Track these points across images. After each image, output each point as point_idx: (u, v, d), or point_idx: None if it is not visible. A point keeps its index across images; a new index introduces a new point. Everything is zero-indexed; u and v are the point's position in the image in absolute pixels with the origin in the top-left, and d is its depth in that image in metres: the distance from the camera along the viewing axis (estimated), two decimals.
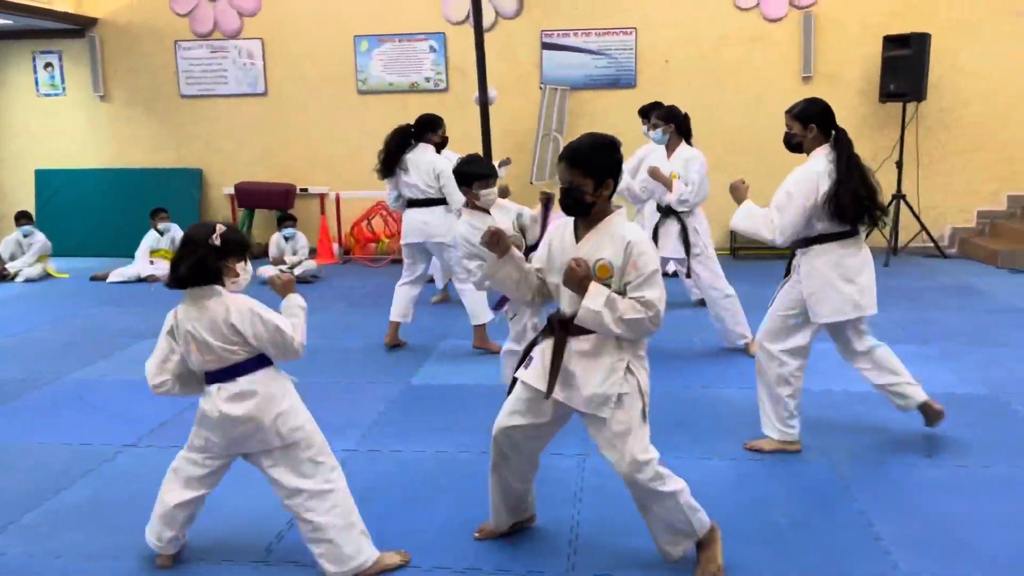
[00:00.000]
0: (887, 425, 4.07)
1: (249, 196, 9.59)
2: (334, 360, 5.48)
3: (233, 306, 2.73)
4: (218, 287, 2.75)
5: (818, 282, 3.70)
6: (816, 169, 3.66)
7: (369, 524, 2.91)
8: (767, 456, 3.78)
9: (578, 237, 2.76)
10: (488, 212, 4.20)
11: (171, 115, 10.16)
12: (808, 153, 3.78)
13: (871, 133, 9.08)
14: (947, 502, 3.31)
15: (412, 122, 5.92)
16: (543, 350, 2.80)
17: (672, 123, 5.63)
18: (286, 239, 8.42)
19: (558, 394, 2.74)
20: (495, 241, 2.82)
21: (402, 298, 5.82)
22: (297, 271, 8.18)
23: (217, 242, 2.73)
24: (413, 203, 5.78)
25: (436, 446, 3.99)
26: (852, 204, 3.60)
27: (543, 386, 2.74)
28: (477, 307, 5.52)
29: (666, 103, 9.30)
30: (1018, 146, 9.01)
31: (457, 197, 5.22)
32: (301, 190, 9.88)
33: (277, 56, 9.87)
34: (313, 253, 9.50)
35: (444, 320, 6.49)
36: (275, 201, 9.51)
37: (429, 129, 5.81)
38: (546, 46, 9.46)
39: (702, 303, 6.02)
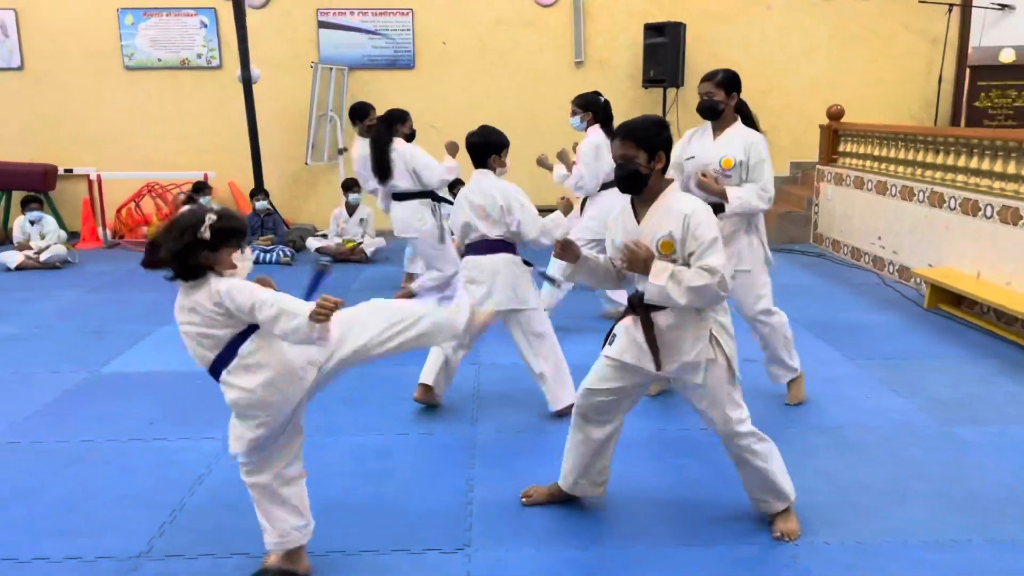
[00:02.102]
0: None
1: (2, 177, 8.96)
2: (28, 350, 5.23)
3: (215, 284, 2.45)
4: (211, 275, 2.46)
5: (763, 231, 4.09)
6: (762, 137, 3.90)
7: None
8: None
9: (638, 217, 2.84)
10: None
11: None
12: (721, 118, 3.89)
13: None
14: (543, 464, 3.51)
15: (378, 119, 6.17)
16: (627, 328, 2.91)
17: (589, 111, 5.43)
18: (32, 223, 7.91)
19: (648, 364, 2.86)
20: (564, 252, 2.95)
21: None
22: (44, 256, 7.73)
23: (207, 235, 2.41)
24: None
25: (84, 436, 3.88)
26: None
27: (629, 359, 2.89)
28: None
29: (445, 86, 9.50)
30: (772, 132, 9.57)
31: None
32: (65, 171, 9.33)
33: (33, 28, 9.22)
34: (76, 238, 9.01)
35: None
36: (32, 183, 8.91)
37: (400, 120, 6.01)
38: (322, 24, 9.30)
39: None
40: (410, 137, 6.06)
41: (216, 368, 2.54)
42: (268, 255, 7.91)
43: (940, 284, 5.94)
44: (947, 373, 4.71)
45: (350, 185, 8.12)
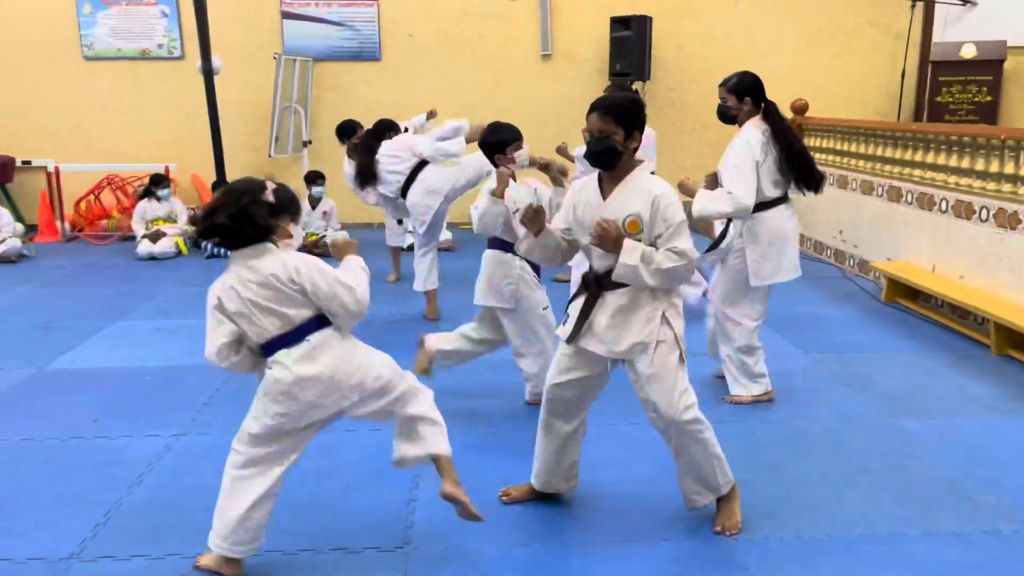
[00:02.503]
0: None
1: None
2: None
3: (288, 259, 2.50)
4: (269, 244, 2.50)
5: (763, 247, 3.93)
6: (748, 139, 3.81)
7: None
8: None
9: (604, 193, 2.80)
10: (514, 177, 3.95)
11: None
12: (740, 125, 3.91)
13: None
14: (492, 459, 3.50)
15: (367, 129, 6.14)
16: (577, 306, 2.88)
17: None
18: None
19: (598, 347, 2.82)
20: (533, 219, 2.88)
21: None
22: None
23: (271, 198, 2.48)
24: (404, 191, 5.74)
25: (25, 434, 3.81)
26: (790, 170, 3.84)
27: (581, 342, 2.85)
28: (427, 274, 5.67)
29: (411, 78, 9.42)
30: None
31: (438, 147, 5.61)
32: (23, 162, 9.15)
33: None
34: (33, 231, 8.85)
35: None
36: None
37: (390, 129, 5.97)
38: (286, 15, 9.18)
39: None
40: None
41: (274, 345, 2.53)
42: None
43: (897, 278, 5.99)
44: (898, 366, 4.75)
45: (313, 178, 8.05)
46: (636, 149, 2.80)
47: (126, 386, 4.44)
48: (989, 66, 8.66)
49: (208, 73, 8.14)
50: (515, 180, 3.92)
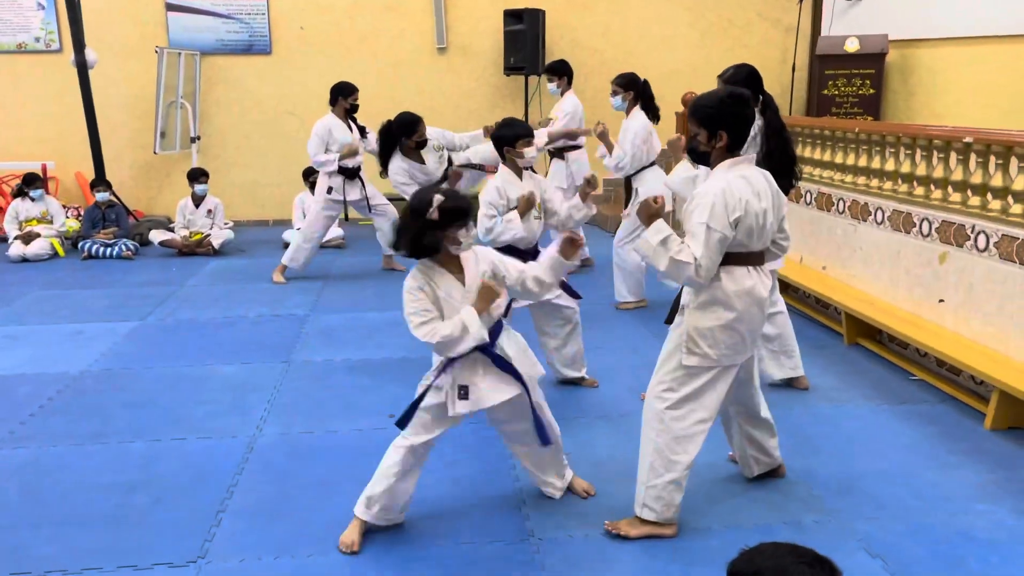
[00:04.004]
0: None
1: None
2: None
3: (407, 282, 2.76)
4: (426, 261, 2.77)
5: None
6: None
7: None
8: None
9: None
10: (520, 176, 4.03)
11: None
12: None
13: (504, 103, 9.44)
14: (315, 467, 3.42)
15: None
16: None
17: (631, 90, 5.58)
18: None
19: None
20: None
21: None
22: None
23: (435, 216, 2.64)
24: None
25: None
26: (781, 164, 3.67)
27: None
28: None
29: (303, 72, 9.24)
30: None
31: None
32: None
33: None
34: None
35: None
36: None
37: (406, 135, 5.73)
38: (171, 7, 8.90)
39: None
40: (420, 144, 5.77)
41: None
42: (109, 249, 7.55)
43: None
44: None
45: (196, 175, 7.83)
46: (727, 146, 2.77)
47: None
48: (872, 59, 8.87)
49: (82, 66, 7.85)
50: (521, 178, 4.02)
